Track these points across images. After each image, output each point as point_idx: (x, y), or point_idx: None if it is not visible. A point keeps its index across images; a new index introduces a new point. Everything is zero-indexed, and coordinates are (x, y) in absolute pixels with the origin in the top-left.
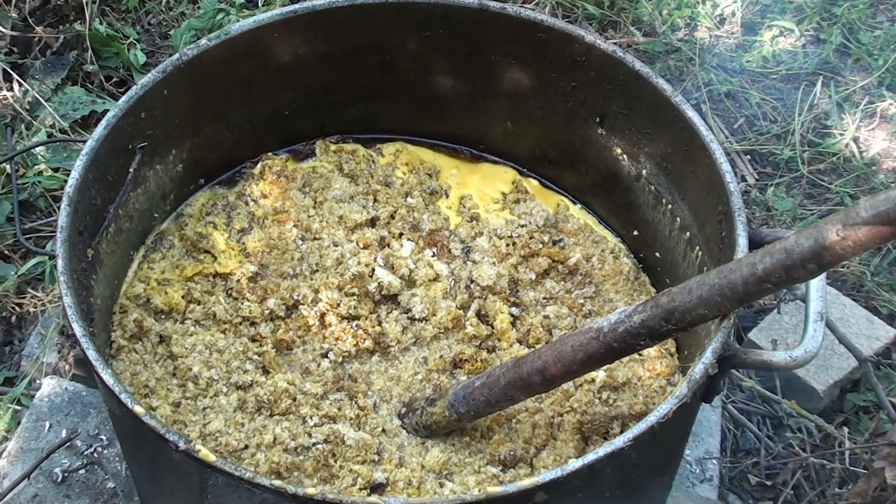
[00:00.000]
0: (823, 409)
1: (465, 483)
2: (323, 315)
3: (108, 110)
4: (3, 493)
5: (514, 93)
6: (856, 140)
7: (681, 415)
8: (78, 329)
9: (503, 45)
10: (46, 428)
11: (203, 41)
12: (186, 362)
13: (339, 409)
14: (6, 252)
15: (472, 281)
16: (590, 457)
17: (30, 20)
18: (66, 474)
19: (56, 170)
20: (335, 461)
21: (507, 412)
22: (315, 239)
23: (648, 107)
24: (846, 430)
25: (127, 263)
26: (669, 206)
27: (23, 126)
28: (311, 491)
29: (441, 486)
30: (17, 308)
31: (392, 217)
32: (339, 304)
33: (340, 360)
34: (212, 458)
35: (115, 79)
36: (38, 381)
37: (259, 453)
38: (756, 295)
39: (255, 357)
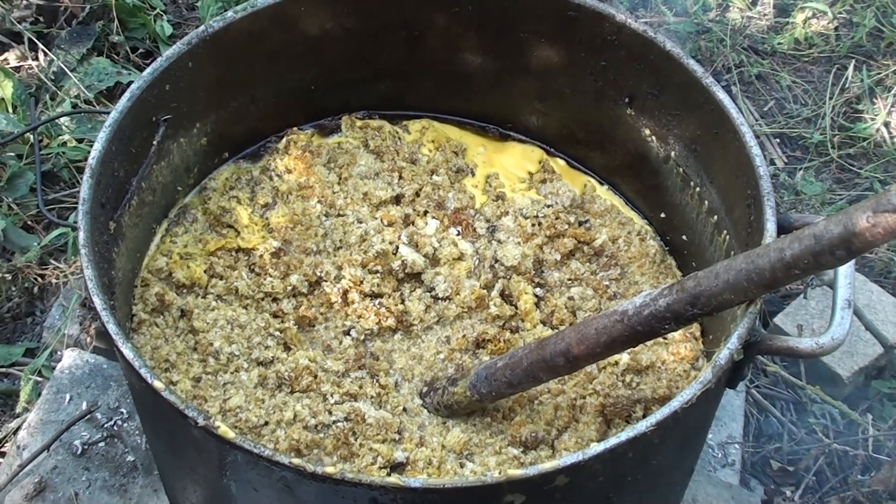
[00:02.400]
0: (848, 396)
1: (486, 464)
2: (346, 292)
3: (133, 81)
4: (22, 464)
5: (543, 71)
6: (887, 125)
7: (704, 400)
8: (99, 302)
9: (532, 22)
10: (67, 400)
11: (229, 13)
12: (208, 337)
13: (361, 387)
14: (29, 223)
15: (496, 260)
16: (612, 441)
17: None
18: (86, 447)
19: (80, 141)
20: (355, 439)
21: (530, 394)
22: (339, 215)
23: (678, 88)
24: (870, 417)
25: (149, 237)
26: (697, 189)
27: (48, 96)
28: (330, 470)
29: (461, 466)
30: (39, 279)
31: (417, 195)
32: (362, 282)
33: (362, 337)
34: (231, 434)
35: (140, 50)
36: (59, 353)
37: (279, 430)
38: (784, 281)
39: (277, 333)
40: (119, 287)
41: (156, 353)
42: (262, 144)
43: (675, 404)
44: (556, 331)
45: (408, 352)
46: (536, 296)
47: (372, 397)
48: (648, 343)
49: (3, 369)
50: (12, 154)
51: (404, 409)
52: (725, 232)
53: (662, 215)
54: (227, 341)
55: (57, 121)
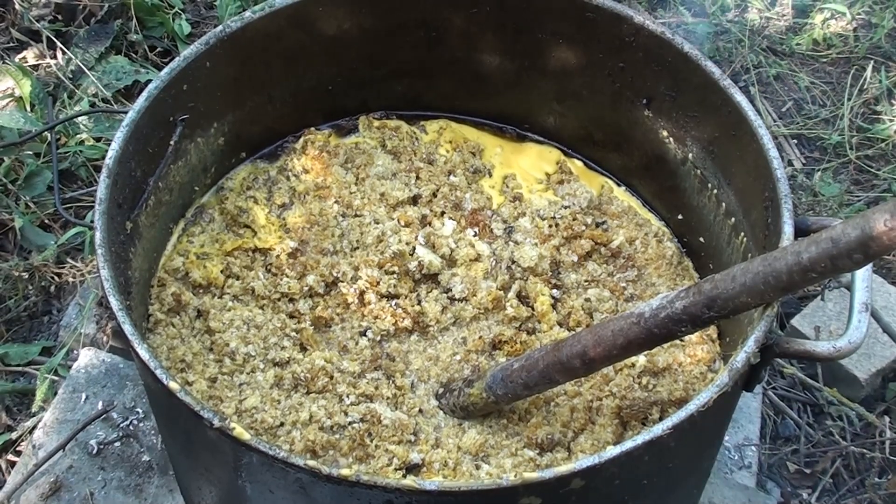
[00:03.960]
0: (865, 398)
1: (502, 466)
2: (362, 293)
3: (151, 80)
4: (38, 463)
5: (561, 72)
6: None
7: (721, 404)
8: (115, 302)
9: (551, 23)
10: (83, 399)
11: (247, 13)
12: (224, 337)
13: (377, 388)
14: (46, 221)
15: (513, 262)
16: (628, 444)
17: None
18: (102, 446)
19: (98, 139)
20: (371, 441)
21: (546, 395)
22: (356, 216)
23: (696, 90)
24: (887, 419)
25: (166, 237)
26: (715, 191)
27: (65, 95)
28: (345, 472)
29: (477, 468)
30: (56, 278)
31: (434, 195)
32: (378, 282)
33: (379, 338)
34: (246, 436)
35: (159, 48)
36: (75, 352)
37: (295, 431)
38: (800, 284)
39: (293, 334)
40: (135, 287)
41: (172, 354)
42: (280, 144)
43: (691, 408)
44: (573, 333)
45: (424, 353)
46: (553, 297)
47: (388, 398)
48: (665, 345)
49: (20, 368)
50: (30, 153)
51: (420, 411)
52: (743, 234)
53: (680, 217)
54: (244, 342)
55: (75, 119)
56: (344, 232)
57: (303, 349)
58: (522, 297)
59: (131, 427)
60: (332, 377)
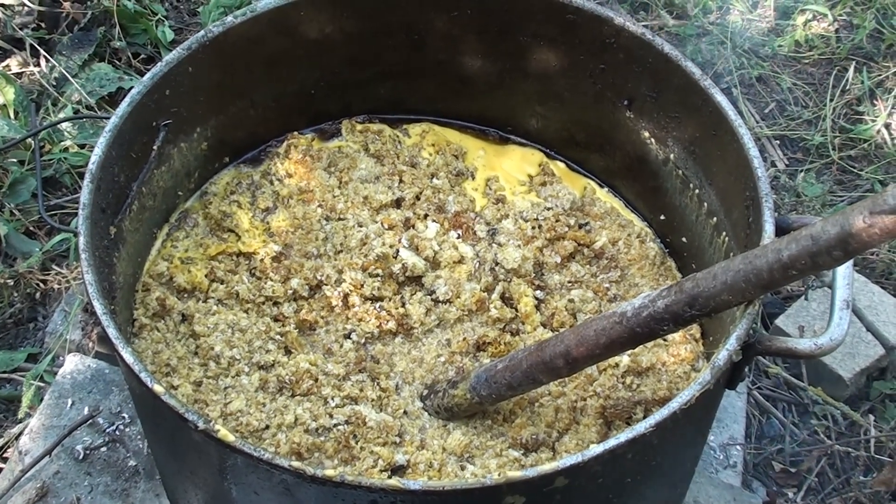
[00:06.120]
0: (849, 397)
1: (487, 466)
2: (346, 296)
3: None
4: (24, 469)
5: (543, 74)
6: (887, 126)
7: (704, 401)
8: (99, 307)
9: (532, 25)
10: (69, 405)
11: (229, 18)
12: (208, 341)
13: (361, 390)
14: (31, 228)
15: (496, 263)
16: (611, 442)
17: None
18: (88, 452)
19: (82, 146)
20: (356, 442)
21: (530, 396)
22: (340, 219)
23: (677, 90)
24: (872, 418)
25: (150, 241)
26: (697, 191)
27: (49, 102)
28: (330, 473)
29: (462, 468)
30: (41, 284)
31: (417, 198)
32: (362, 285)
33: (363, 341)
34: (231, 438)
35: (142, 55)
36: (61, 358)
37: (280, 433)
38: (781, 282)
39: (278, 337)
40: (120, 292)
41: (157, 358)
42: (263, 149)
43: (674, 406)
44: (556, 333)
45: (408, 355)
46: (537, 298)
47: (373, 400)
48: (649, 345)
49: (6, 375)
50: (14, 160)
51: (405, 412)
52: (725, 233)
53: (662, 217)
54: (228, 345)
55: (59, 126)
56: (328, 235)
57: (287, 352)
58: (506, 299)
59: (117, 432)
60: (316, 380)
